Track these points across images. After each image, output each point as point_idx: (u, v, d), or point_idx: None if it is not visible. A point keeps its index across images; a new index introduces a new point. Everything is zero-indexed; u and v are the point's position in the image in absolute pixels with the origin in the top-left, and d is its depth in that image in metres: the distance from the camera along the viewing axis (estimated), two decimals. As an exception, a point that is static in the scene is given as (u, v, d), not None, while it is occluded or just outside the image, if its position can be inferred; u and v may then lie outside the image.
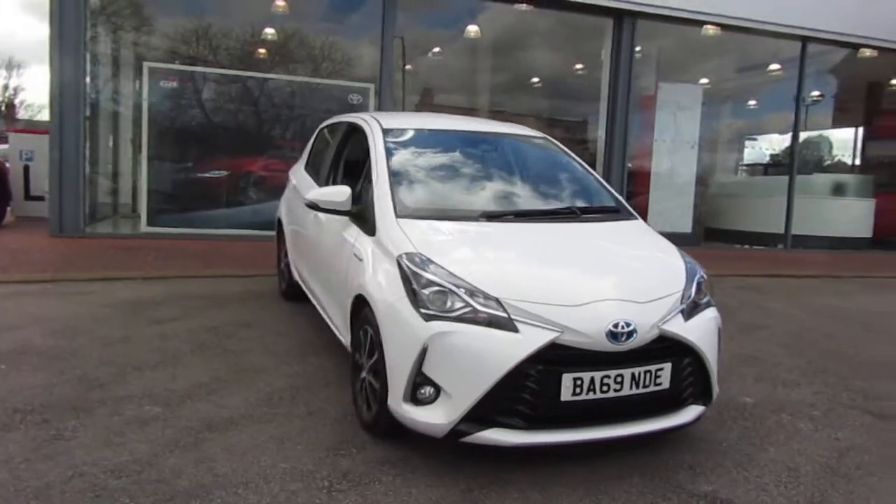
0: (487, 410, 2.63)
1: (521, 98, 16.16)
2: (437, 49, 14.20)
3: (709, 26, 11.16)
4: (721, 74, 14.54)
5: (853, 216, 12.72)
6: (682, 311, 2.94)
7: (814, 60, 12.27)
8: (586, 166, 4.21)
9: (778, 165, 15.14)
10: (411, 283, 2.82)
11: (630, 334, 2.70)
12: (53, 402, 3.34)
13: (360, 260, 3.29)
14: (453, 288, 2.75)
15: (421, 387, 2.72)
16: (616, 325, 2.68)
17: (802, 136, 13.64)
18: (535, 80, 15.54)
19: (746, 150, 18.05)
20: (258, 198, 9.58)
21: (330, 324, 4.02)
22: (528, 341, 2.62)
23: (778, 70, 13.37)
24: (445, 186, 3.74)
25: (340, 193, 3.58)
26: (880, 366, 4.76)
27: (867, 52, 12.20)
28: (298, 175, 5.36)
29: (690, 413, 2.97)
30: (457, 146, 4.03)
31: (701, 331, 2.96)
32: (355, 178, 3.95)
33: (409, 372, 2.70)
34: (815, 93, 14.32)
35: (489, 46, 13.65)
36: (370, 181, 3.58)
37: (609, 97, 10.85)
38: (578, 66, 14.36)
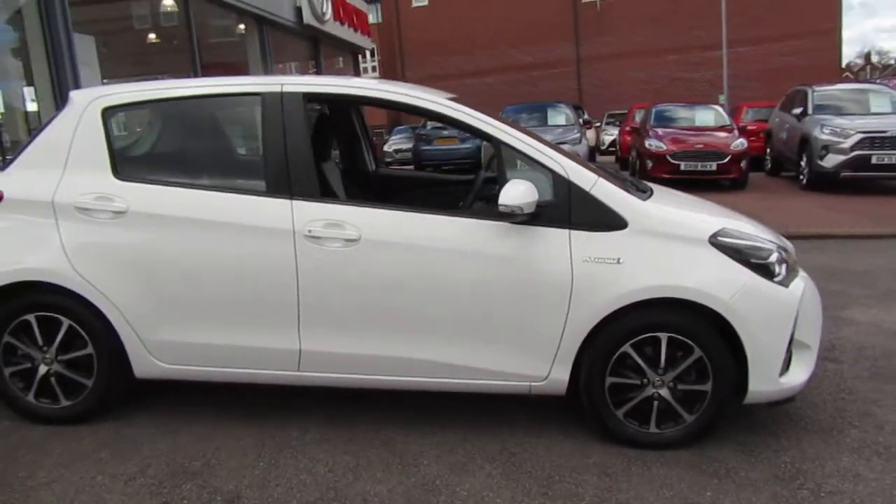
0: None
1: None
2: None
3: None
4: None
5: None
6: None
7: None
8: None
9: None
10: (750, 258, 2.79)
11: None
12: None
13: (615, 262, 2.72)
14: (774, 248, 2.85)
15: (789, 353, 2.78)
16: None
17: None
18: None
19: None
20: None
21: (459, 384, 2.95)
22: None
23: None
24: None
25: (532, 192, 2.73)
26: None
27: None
28: (141, 191, 2.97)
29: None
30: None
31: None
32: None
33: (786, 344, 2.73)
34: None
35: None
36: (534, 166, 2.89)
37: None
38: None
